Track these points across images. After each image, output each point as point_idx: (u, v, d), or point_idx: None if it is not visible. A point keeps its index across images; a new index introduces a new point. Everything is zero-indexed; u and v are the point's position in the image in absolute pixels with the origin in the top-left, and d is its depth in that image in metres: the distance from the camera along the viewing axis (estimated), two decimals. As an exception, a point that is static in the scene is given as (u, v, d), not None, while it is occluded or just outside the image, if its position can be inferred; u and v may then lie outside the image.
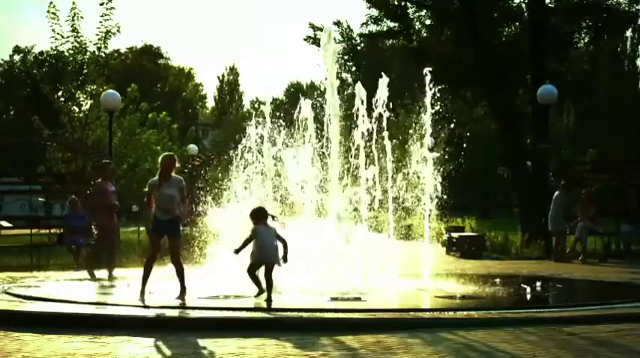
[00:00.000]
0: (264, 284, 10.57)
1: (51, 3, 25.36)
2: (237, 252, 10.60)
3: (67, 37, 25.72)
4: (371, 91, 13.43)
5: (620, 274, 15.12)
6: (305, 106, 13.48)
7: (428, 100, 13.46)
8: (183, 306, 10.46)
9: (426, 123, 13.47)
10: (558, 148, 28.49)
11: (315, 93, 14.16)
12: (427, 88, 13.33)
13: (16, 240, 21.32)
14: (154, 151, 29.10)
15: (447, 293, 11.45)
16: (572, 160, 28.82)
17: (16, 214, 21.97)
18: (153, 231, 11.51)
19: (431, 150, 13.57)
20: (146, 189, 11.50)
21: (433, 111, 13.47)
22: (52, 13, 25.36)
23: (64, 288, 12.75)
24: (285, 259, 10.59)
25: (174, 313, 9.63)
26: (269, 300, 10.29)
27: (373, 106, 13.26)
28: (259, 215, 10.81)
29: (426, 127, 13.59)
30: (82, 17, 25.56)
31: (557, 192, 19.56)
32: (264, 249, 10.55)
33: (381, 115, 13.17)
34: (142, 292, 11.03)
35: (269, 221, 10.93)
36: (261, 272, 10.69)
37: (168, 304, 10.70)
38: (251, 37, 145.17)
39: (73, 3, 25.50)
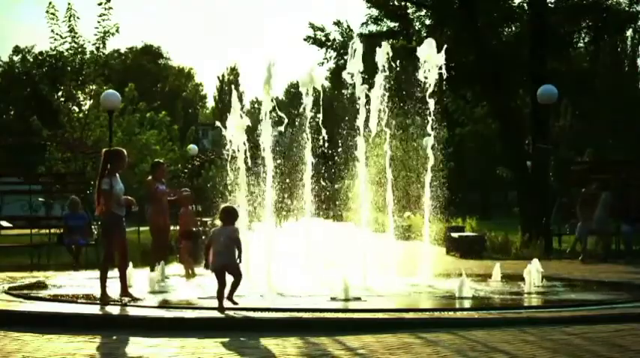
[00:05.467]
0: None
1: (50, 3, 25.36)
2: (206, 266, 10.06)
3: (65, 37, 25.74)
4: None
5: (620, 274, 15.10)
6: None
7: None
8: (183, 306, 10.45)
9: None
10: (557, 148, 28.47)
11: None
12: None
13: (16, 240, 21.32)
14: (154, 151, 29.14)
15: (447, 293, 11.44)
16: (572, 160, 28.78)
17: (16, 214, 21.96)
18: (120, 230, 11.00)
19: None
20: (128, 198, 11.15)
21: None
22: (51, 13, 25.36)
23: (65, 288, 12.77)
24: (239, 258, 9.87)
25: (175, 313, 9.62)
26: (231, 299, 9.77)
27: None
28: (222, 214, 10.11)
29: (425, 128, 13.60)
30: (78, 17, 25.57)
31: (604, 193, 19.25)
32: (216, 254, 9.88)
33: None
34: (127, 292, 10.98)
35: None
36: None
37: (168, 304, 10.72)
38: (251, 37, 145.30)
39: (69, 3, 25.52)
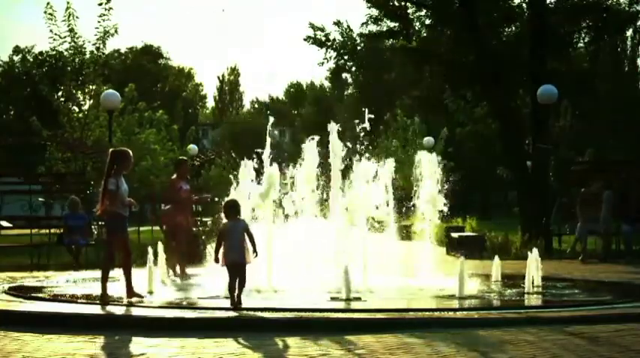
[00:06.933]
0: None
1: (48, 4, 25.34)
2: (217, 260, 10.00)
3: (64, 37, 25.71)
4: (371, 92, 13.47)
5: (620, 274, 15.11)
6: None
7: None
8: (183, 306, 10.46)
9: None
10: (557, 148, 28.47)
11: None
12: None
13: (16, 240, 21.32)
14: (153, 151, 29.12)
15: (447, 293, 11.44)
16: (572, 160, 28.77)
17: (16, 214, 21.97)
18: (124, 230, 11.02)
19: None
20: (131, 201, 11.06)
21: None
22: (49, 13, 25.33)
23: (65, 288, 12.77)
24: (255, 253, 9.97)
25: (175, 313, 9.63)
26: (239, 301, 9.82)
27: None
28: (228, 209, 10.18)
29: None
30: (77, 17, 25.54)
31: (606, 192, 19.26)
32: (230, 248, 9.91)
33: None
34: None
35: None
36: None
37: (168, 304, 10.72)
38: (251, 37, 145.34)
39: (68, 3, 25.49)
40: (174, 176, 14.91)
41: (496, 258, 13.75)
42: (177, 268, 14.27)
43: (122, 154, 11.07)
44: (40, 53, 55.26)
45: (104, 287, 10.68)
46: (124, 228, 10.91)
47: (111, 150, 11.33)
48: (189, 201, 14.90)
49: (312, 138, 13.19)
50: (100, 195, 10.92)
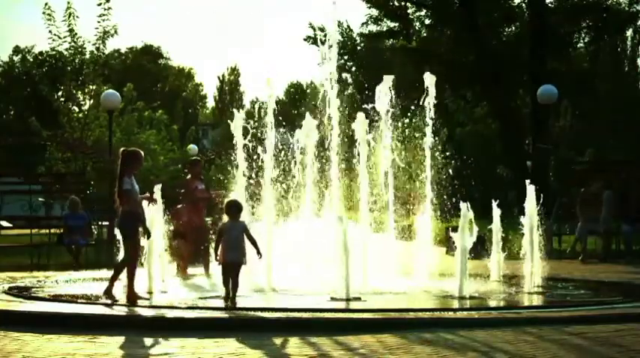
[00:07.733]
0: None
1: (46, 4, 25.30)
2: (217, 258, 10.16)
3: (64, 37, 25.70)
4: (369, 92, 13.50)
5: (620, 274, 15.12)
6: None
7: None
8: (183, 306, 10.46)
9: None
10: (557, 148, 28.52)
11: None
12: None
13: (16, 240, 21.31)
14: (153, 151, 29.14)
15: (447, 293, 11.45)
16: (572, 160, 28.79)
17: (16, 214, 21.97)
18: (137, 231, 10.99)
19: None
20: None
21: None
22: (48, 14, 25.30)
23: (65, 288, 12.77)
24: (258, 254, 10.19)
25: (175, 313, 9.63)
26: (233, 302, 9.94)
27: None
28: (229, 208, 10.36)
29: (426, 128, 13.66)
30: (77, 17, 25.52)
31: (606, 192, 19.31)
32: (228, 248, 10.05)
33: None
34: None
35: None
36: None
37: (168, 304, 10.72)
38: (251, 37, 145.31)
39: (68, 2, 25.48)
40: (189, 176, 14.98)
41: (495, 255, 13.70)
42: (179, 266, 14.29)
43: (133, 154, 11.10)
44: (40, 53, 55.21)
45: (112, 285, 10.71)
46: (139, 228, 10.94)
47: (122, 150, 11.33)
48: (204, 201, 14.94)
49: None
50: (116, 196, 10.89)
